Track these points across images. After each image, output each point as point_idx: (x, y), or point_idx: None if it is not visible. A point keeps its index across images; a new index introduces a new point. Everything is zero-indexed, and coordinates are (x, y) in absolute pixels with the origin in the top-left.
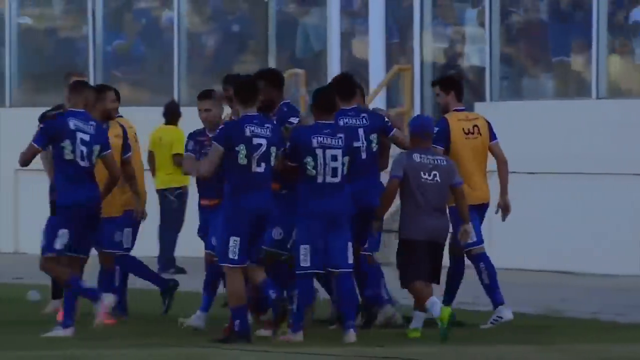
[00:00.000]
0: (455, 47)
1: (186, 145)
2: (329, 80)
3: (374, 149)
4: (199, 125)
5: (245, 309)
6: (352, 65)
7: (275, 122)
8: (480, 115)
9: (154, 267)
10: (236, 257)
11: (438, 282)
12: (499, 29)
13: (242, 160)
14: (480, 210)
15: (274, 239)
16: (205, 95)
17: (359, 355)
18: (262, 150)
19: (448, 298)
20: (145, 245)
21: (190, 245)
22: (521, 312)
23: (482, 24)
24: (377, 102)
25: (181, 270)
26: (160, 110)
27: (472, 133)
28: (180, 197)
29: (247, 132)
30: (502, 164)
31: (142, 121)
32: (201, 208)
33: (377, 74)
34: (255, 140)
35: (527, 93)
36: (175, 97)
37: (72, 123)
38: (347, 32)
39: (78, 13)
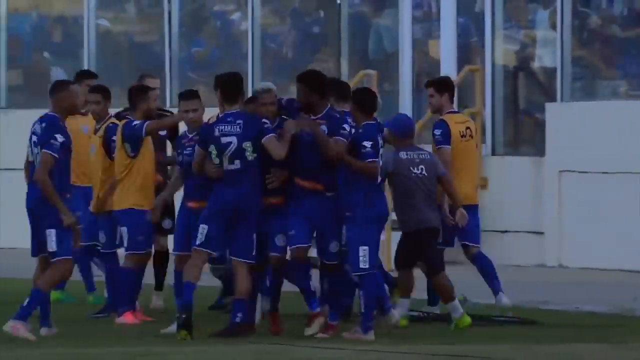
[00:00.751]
0: (527, 48)
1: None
2: (401, 81)
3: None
4: None
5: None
6: (423, 66)
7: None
8: (469, 118)
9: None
10: (201, 242)
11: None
12: (571, 29)
13: (214, 159)
14: (476, 210)
15: (332, 252)
16: (190, 95)
17: (430, 353)
18: (233, 148)
19: (494, 287)
20: None
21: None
22: (593, 311)
23: (553, 25)
24: None
25: None
26: None
27: (465, 136)
28: None
29: (216, 132)
30: None
31: None
32: (186, 209)
33: (448, 75)
34: (224, 139)
35: (598, 93)
36: None
37: (34, 127)
38: (418, 33)
39: (155, 16)
